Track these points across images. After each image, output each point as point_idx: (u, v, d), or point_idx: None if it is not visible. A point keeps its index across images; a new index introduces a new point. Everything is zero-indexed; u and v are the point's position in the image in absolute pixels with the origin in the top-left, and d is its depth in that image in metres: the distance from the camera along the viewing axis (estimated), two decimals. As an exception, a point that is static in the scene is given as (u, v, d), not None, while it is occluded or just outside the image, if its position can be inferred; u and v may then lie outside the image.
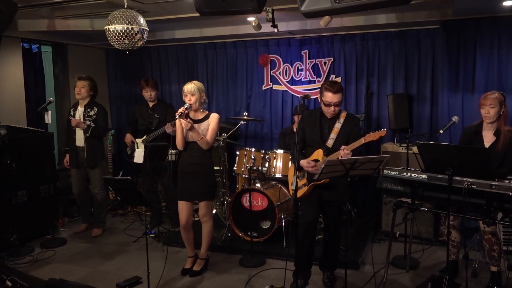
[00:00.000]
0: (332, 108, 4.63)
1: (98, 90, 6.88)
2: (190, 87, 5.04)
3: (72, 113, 6.73)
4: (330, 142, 4.70)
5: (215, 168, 7.33)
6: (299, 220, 4.54)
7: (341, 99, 4.65)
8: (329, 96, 4.60)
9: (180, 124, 5.05)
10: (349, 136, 4.67)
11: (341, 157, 4.41)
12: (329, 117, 4.74)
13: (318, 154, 4.73)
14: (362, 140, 4.47)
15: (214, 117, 5.15)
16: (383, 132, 4.45)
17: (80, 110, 6.70)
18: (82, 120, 6.59)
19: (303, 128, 4.86)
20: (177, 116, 4.92)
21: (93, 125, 6.60)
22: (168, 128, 6.36)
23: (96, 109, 6.68)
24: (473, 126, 4.98)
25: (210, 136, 5.11)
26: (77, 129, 6.63)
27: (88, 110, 6.65)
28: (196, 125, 5.09)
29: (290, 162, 6.19)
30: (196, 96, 5.04)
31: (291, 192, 5.07)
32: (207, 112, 5.23)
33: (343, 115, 4.78)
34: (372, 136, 4.46)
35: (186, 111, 5.00)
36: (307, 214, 4.73)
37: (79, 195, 6.92)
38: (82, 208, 7.13)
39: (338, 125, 4.72)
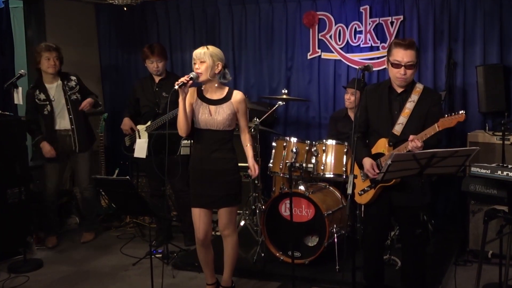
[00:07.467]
0: (402, 70, 4.63)
1: (86, 60, 7.06)
2: (200, 51, 5.02)
3: (39, 97, 6.99)
4: (398, 128, 4.70)
5: (242, 165, 7.52)
6: (357, 234, 4.59)
7: (414, 58, 4.67)
8: (399, 53, 4.63)
9: (182, 98, 5.03)
10: (426, 120, 4.65)
11: (409, 149, 4.43)
12: (399, 84, 4.75)
13: (382, 145, 4.74)
14: (436, 127, 4.43)
15: (240, 98, 5.16)
16: (461, 116, 4.36)
17: (54, 87, 7.03)
18: (65, 96, 7.00)
19: (365, 108, 4.91)
20: (176, 87, 4.90)
21: (79, 98, 7.07)
22: None
23: (74, 77, 7.14)
24: None
25: (245, 123, 5.24)
26: (61, 110, 7.01)
27: (65, 82, 7.05)
28: (213, 108, 5.11)
29: (345, 156, 6.29)
30: (207, 63, 4.98)
31: (356, 197, 5.03)
32: (227, 88, 5.22)
33: (417, 90, 4.77)
34: (447, 122, 4.39)
35: (190, 82, 4.96)
36: (373, 230, 4.83)
37: (53, 196, 7.30)
38: (52, 215, 7.42)
39: (410, 105, 4.71)
